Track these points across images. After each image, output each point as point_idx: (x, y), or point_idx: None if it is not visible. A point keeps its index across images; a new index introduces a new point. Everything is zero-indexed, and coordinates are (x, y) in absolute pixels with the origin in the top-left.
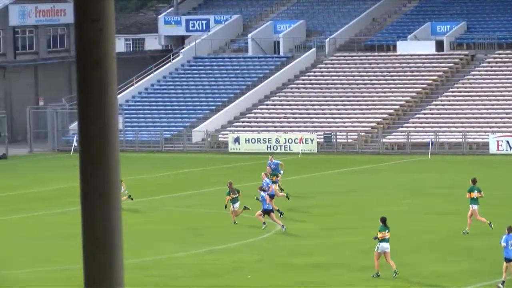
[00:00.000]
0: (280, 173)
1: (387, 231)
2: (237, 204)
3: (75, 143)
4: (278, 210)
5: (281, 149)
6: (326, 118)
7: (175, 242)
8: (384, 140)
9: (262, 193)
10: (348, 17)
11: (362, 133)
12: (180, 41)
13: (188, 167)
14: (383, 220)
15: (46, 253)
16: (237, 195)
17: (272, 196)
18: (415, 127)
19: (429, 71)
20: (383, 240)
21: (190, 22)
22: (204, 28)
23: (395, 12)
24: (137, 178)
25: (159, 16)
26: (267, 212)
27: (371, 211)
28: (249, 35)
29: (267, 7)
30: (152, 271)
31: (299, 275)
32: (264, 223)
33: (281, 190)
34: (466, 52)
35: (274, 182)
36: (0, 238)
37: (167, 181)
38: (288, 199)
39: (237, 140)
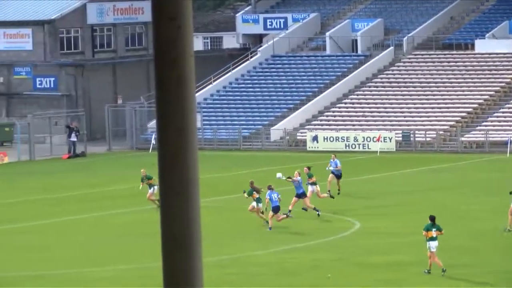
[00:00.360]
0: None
1: (434, 230)
2: (260, 204)
3: (153, 141)
4: (287, 214)
5: (359, 148)
6: (405, 116)
7: (253, 240)
8: (462, 138)
9: (269, 191)
10: (426, 15)
11: (441, 132)
12: (258, 39)
13: (266, 166)
14: (432, 219)
15: (125, 251)
16: (260, 194)
17: (300, 196)
18: (493, 125)
19: (508, 69)
20: (432, 238)
21: (268, 20)
22: (282, 26)
23: (473, 10)
24: (216, 176)
25: (237, 15)
26: (276, 210)
27: (449, 210)
28: (327, 34)
29: (345, 6)
30: (231, 269)
31: (378, 274)
32: (266, 222)
33: (328, 191)
34: None
35: (313, 184)
36: (79, 236)
37: (246, 179)
38: (333, 198)
39: (315, 138)
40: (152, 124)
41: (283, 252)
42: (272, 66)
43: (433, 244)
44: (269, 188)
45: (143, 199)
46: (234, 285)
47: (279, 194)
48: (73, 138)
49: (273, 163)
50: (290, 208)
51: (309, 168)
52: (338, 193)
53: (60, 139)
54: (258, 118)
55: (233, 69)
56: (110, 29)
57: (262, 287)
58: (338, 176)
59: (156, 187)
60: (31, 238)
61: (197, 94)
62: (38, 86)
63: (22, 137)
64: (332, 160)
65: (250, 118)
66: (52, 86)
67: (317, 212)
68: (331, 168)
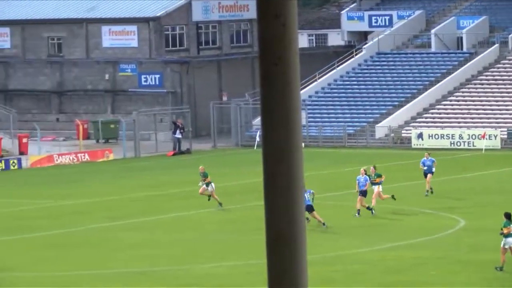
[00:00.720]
0: (432, 171)
1: (511, 225)
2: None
3: (258, 138)
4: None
5: (464, 145)
6: (510, 114)
7: (357, 237)
8: None
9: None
10: None
11: None
12: (363, 36)
13: (371, 163)
14: (507, 216)
15: (231, 247)
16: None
17: (364, 193)
18: None
19: None
20: (509, 235)
21: (373, 17)
22: (386, 23)
23: None
24: (321, 173)
25: (342, 12)
26: (309, 209)
27: None
28: (432, 31)
29: (450, 3)
30: (335, 266)
31: (484, 272)
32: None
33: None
34: None
35: (377, 184)
36: (186, 233)
37: (351, 177)
38: (395, 199)
39: (420, 136)
40: (257, 121)
41: (386, 250)
42: (377, 63)
43: (510, 241)
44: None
45: (248, 196)
46: (338, 283)
47: (311, 192)
48: (178, 135)
49: (377, 161)
50: (357, 207)
51: (375, 167)
52: (432, 192)
53: (165, 136)
54: (363, 115)
55: (337, 66)
56: (215, 26)
57: (365, 285)
58: (429, 173)
59: (212, 184)
60: (137, 235)
61: (302, 92)
62: (143, 83)
63: (128, 134)
64: (425, 158)
65: (355, 115)
66: (157, 83)
67: (372, 211)
68: (424, 167)
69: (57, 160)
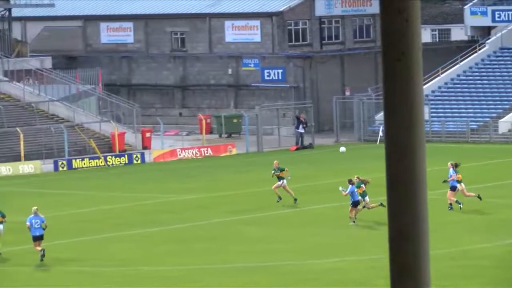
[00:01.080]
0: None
1: None
2: (366, 198)
3: (381, 133)
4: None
5: None
6: None
7: (481, 233)
8: None
9: (350, 186)
10: None
11: None
12: (486, 31)
13: (494, 158)
14: None
15: (352, 242)
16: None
17: (454, 188)
18: None
19: None
20: None
21: (496, 12)
22: (510, 18)
23: None
24: (444, 168)
25: (465, 7)
26: (356, 204)
27: None
28: None
29: None
30: (460, 261)
31: None
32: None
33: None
34: None
35: (459, 182)
36: (308, 228)
37: (475, 172)
38: (481, 199)
39: None
40: (380, 116)
41: (510, 245)
42: (500, 58)
43: None
44: (350, 182)
45: (368, 191)
46: (463, 278)
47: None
48: (301, 129)
49: (501, 156)
50: (450, 202)
51: (456, 165)
52: None
53: (288, 131)
54: (486, 110)
55: (461, 61)
56: (338, 21)
57: (490, 280)
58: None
59: (285, 180)
60: (259, 229)
61: (424, 87)
62: (266, 77)
63: (250, 129)
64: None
65: (478, 110)
66: (280, 77)
67: (460, 205)
68: None
69: (180, 154)
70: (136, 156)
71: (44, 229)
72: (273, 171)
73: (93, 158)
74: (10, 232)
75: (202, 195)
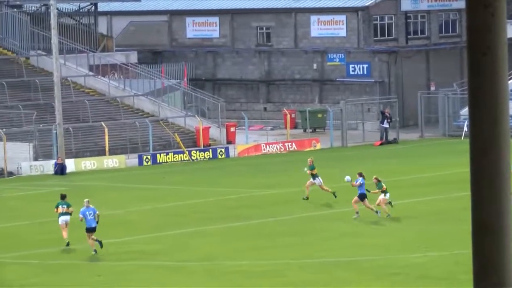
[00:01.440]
0: None
1: None
2: (388, 195)
3: (465, 129)
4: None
5: None
6: None
7: None
8: None
9: (360, 178)
10: None
11: None
12: None
13: None
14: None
15: (436, 237)
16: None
17: None
18: None
19: None
20: None
21: None
22: None
23: None
24: None
25: None
26: (362, 197)
27: None
28: None
29: None
30: None
31: None
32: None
33: None
34: None
35: None
36: (391, 223)
37: None
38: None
39: None
40: (465, 111)
41: None
42: None
43: None
44: (360, 175)
45: (455, 186)
46: None
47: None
48: (386, 124)
49: None
50: None
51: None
52: None
53: (372, 126)
54: None
55: None
56: (424, 16)
57: None
58: None
59: (320, 179)
60: (343, 224)
61: (510, 82)
62: (351, 72)
63: (335, 124)
64: None
65: None
66: (365, 72)
67: None
68: None
69: (264, 149)
70: (221, 151)
71: (97, 221)
72: (305, 169)
73: (177, 153)
74: None
75: (286, 190)
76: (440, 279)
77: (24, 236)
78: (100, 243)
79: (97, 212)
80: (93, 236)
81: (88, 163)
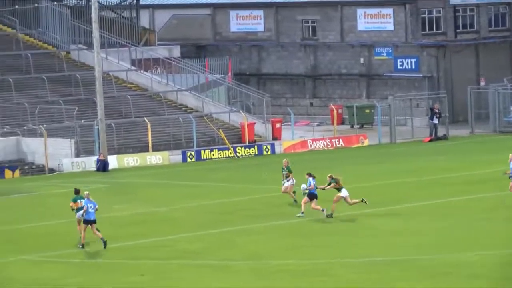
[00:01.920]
0: None
1: None
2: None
3: None
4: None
5: None
6: None
7: None
8: None
9: (310, 179)
10: None
11: None
12: None
13: None
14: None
15: (485, 236)
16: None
17: None
18: None
19: None
20: None
21: None
22: None
23: None
24: None
25: None
26: (311, 197)
27: None
28: None
29: None
30: None
31: None
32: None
33: None
34: None
35: None
36: (438, 221)
37: None
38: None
39: None
40: None
41: None
42: None
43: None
44: (309, 175)
45: (500, 183)
46: None
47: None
48: (435, 120)
49: None
50: None
51: None
52: None
53: (421, 122)
54: None
55: None
56: (473, 9)
57: None
58: None
59: (293, 180)
60: (391, 222)
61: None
62: (399, 67)
63: (383, 119)
64: None
65: None
66: (413, 67)
67: None
68: None
69: (310, 145)
70: (266, 147)
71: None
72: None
73: (222, 149)
74: (135, 224)
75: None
76: (492, 279)
77: (64, 234)
78: (105, 243)
79: (96, 206)
80: (98, 233)
81: (131, 160)
